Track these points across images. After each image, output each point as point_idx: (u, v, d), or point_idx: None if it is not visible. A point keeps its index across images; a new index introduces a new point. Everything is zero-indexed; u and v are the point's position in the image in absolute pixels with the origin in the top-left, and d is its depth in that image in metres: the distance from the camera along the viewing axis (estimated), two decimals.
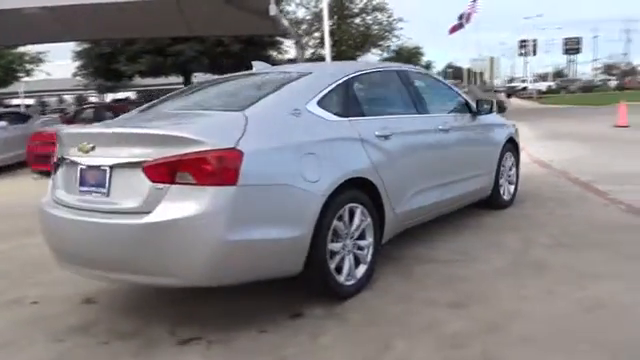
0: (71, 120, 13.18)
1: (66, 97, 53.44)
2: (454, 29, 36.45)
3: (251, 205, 2.77)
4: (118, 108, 14.05)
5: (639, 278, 3.55)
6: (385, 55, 27.12)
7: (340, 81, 3.59)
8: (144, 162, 2.73)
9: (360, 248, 3.43)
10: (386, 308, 3.22)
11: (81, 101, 42.54)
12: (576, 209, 5.49)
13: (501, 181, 5.41)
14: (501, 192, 5.43)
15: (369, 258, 3.49)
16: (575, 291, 3.33)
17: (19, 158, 11.27)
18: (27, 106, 36.07)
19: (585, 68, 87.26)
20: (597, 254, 4.00)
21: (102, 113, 12.56)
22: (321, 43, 18.91)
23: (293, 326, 3.04)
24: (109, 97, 42.53)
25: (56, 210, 3.18)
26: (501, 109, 21.29)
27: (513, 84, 60.78)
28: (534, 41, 63.96)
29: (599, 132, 13.26)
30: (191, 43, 18.79)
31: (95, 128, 3.32)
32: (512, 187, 5.71)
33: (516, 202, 5.75)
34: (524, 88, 51.81)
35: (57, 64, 29.70)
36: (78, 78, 26.26)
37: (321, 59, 19.06)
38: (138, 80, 25.18)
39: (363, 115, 3.69)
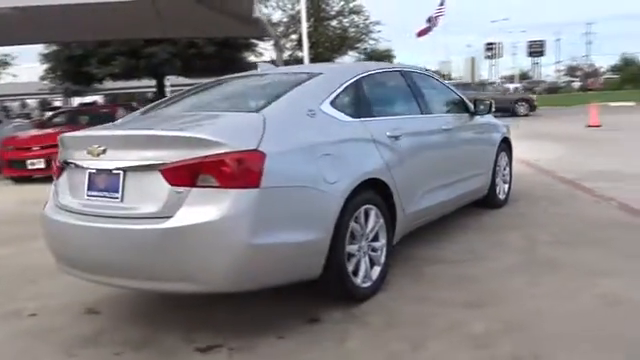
0: (44, 124, 12.78)
1: (29, 101, 51.93)
2: (422, 32, 36.87)
3: (274, 208, 2.69)
4: (93, 111, 13.67)
5: None
6: (358, 57, 27.22)
7: (351, 81, 3.54)
8: (162, 165, 2.62)
9: (374, 250, 3.38)
10: (403, 310, 3.18)
11: (45, 105, 41.39)
12: (569, 207, 5.57)
13: (497, 180, 5.45)
14: (497, 191, 5.47)
15: (383, 259, 3.45)
16: (588, 288, 3.35)
17: None
18: None
19: (548, 70, 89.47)
20: (600, 251, 4.04)
21: (77, 117, 12.22)
22: (298, 45, 18.88)
23: (313, 331, 2.97)
24: (76, 101, 41.53)
25: (60, 216, 3.04)
26: (532, 108, 21.66)
27: None
28: (499, 44, 65.23)
29: (575, 132, 13.56)
30: (164, 45, 18.48)
31: (106, 130, 3.18)
32: (506, 186, 5.76)
33: (510, 201, 5.80)
34: None
35: (24, 67, 28.83)
36: (45, 82, 25.54)
37: (298, 61, 19.01)
38: (107, 84, 24.65)
39: (373, 115, 3.65)
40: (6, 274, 4.39)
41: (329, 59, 22.19)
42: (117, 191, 2.78)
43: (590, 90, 48.30)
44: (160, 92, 22.68)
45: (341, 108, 3.35)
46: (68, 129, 10.83)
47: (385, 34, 26.43)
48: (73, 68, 19.94)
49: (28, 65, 29.64)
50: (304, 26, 13.94)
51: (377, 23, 24.08)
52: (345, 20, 23.72)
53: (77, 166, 3.01)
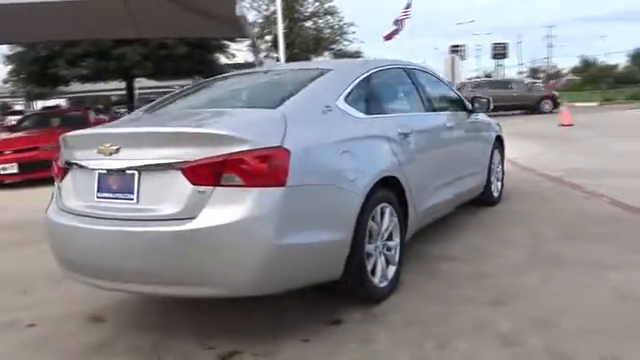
0: (14, 128, 12.31)
1: None
2: (389, 36, 37.16)
3: (299, 207, 2.60)
4: (65, 113, 13.24)
5: None
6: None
7: (361, 78, 3.48)
8: (184, 163, 2.49)
9: (389, 249, 3.32)
10: (423, 308, 3.12)
11: (5, 109, 40.00)
12: (562, 203, 5.63)
13: (492, 178, 5.46)
14: (492, 189, 5.49)
15: (397, 258, 3.39)
16: (601, 282, 3.36)
17: None
18: None
19: (511, 72, 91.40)
20: (605, 246, 4.07)
21: (49, 119, 11.82)
22: (273, 46, 18.71)
23: (336, 333, 2.88)
24: (38, 104, 40.29)
25: (66, 219, 2.88)
26: (556, 105, 21.82)
27: None
28: (464, 46, 66.39)
29: (549, 131, 13.85)
30: (135, 46, 18.03)
31: (118, 127, 3.03)
32: (499, 184, 5.79)
33: (502, 199, 5.83)
34: None
35: None
36: (7, 85, 24.65)
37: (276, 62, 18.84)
38: (73, 87, 23.95)
39: (383, 112, 3.60)
40: (5, 280, 4.17)
41: (306, 60, 22.12)
42: (132, 192, 2.64)
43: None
44: (129, 95, 22.17)
45: (354, 104, 3.28)
46: (40, 132, 10.52)
47: (359, 36, 26.57)
48: (39, 70, 19.23)
49: None
50: (280, 27, 13.81)
51: (351, 24, 24.20)
52: (320, 21, 23.71)
53: (84, 167, 2.86)
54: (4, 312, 3.58)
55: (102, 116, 12.41)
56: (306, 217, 2.65)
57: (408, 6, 34.41)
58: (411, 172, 3.53)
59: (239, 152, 2.45)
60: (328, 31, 23.86)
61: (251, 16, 22.83)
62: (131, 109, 21.26)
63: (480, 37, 68.03)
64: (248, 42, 14.08)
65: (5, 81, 23.41)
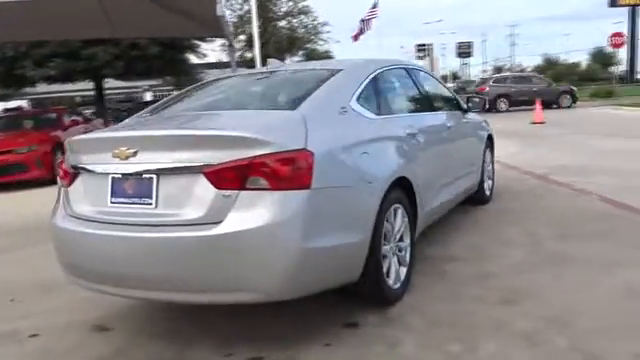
0: None
1: None
2: (357, 35, 37.39)
3: (323, 209, 2.56)
4: (38, 114, 12.81)
5: None
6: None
7: (370, 77, 3.45)
8: (206, 167, 2.42)
9: (400, 250, 3.31)
10: (439, 309, 3.12)
11: None
12: (553, 201, 5.73)
13: (484, 177, 5.52)
14: (485, 188, 5.54)
15: (408, 259, 3.39)
16: (608, 280, 3.40)
17: None
18: None
19: (476, 70, 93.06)
20: (604, 243, 4.12)
21: (21, 122, 11.43)
22: (247, 46, 18.56)
23: (357, 336, 2.85)
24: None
25: (75, 225, 2.78)
26: (574, 100, 22.27)
27: None
28: (430, 45, 67.14)
29: (522, 129, 14.10)
30: (106, 46, 17.62)
31: (134, 131, 2.92)
32: (490, 182, 5.86)
33: (493, 197, 5.89)
34: None
35: None
36: None
37: (248, 62, 18.71)
38: (36, 88, 23.26)
39: (391, 113, 3.59)
40: None
41: (281, 60, 22.05)
42: (150, 196, 2.56)
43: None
44: (99, 95, 21.68)
45: (365, 105, 3.26)
46: (13, 135, 10.15)
47: (334, 35, 26.63)
48: (5, 71, 18.60)
49: None
50: (255, 26, 13.69)
51: (325, 24, 24.22)
52: (294, 20, 23.65)
53: (96, 171, 2.75)
54: (1, 321, 3.44)
55: (76, 117, 12.06)
56: (330, 219, 2.61)
57: (375, 5, 34.70)
58: (419, 172, 3.53)
59: (264, 155, 2.39)
60: (302, 31, 23.84)
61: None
62: (101, 110, 20.83)
63: (445, 36, 68.98)
64: (222, 42, 13.95)
65: None
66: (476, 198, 5.41)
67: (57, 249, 2.96)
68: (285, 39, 22.93)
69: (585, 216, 5.02)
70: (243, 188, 2.39)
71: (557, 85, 24.77)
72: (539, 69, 64.34)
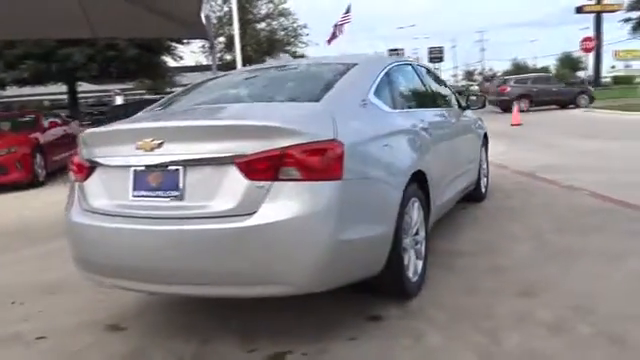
0: None
1: None
2: (330, 39, 37.57)
3: (353, 201, 2.53)
4: (14, 116, 12.46)
5: None
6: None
7: (384, 72, 3.45)
8: (238, 157, 2.37)
9: (416, 243, 3.31)
10: (458, 302, 3.12)
11: None
12: (547, 198, 5.82)
13: (480, 174, 5.57)
14: (481, 185, 5.60)
15: (423, 253, 3.39)
16: (618, 269, 3.47)
17: None
18: None
19: (446, 75, 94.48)
20: (603, 236, 4.22)
21: None
22: (226, 48, 18.45)
23: (381, 329, 2.83)
24: None
25: (93, 220, 2.69)
26: (592, 100, 22.56)
27: None
28: (402, 50, 67.86)
29: (502, 130, 14.30)
30: (81, 47, 17.27)
31: (159, 122, 2.84)
32: (485, 180, 5.92)
33: (487, 195, 5.96)
34: None
35: None
36: None
37: (227, 65, 18.58)
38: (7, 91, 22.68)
39: (404, 107, 3.59)
40: None
41: (260, 62, 21.98)
42: (176, 189, 2.49)
43: (488, 93, 51.36)
44: (72, 98, 21.23)
45: (382, 99, 3.26)
46: None
47: (313, 38, 26.71)
48: None
49: None
50: (236, 27, 13.64)
51: (304, 27, 24.26)
52: (274, 23, 23.62)
53: (115, 165, 2.67)
54: (4, 324, 3.31)
55: (54, 119, 11.77)
56: (358, 211, 2.59)
57: (348, 11, 34.91)
58: (431, 166, 3.54)
59: (298, 145, 2.36)
60: (282, 33, 23.83)
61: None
62: (75, 114, 20.39)
63: (419, 41, 69.89)
64: (201, 44, 13.85)
65: None
66: (473, 195, 5.46)
67: (72, 244, 2.86)
68: (265, 41, 22.88)
69: (579, 211, 5.11)
70: (276, 179, 2.35)
71: (579, 86, 25.59)
72: (509, 73, 65.63)
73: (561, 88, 23.51)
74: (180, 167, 2.48)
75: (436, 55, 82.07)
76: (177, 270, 2.46)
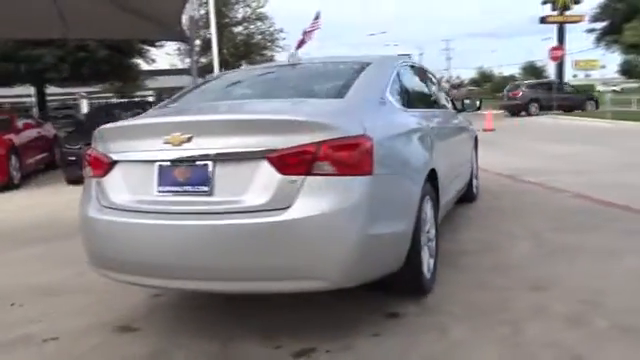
0: None
1: None
2: (299, 45, 37.65)
3: (381, 196, 2.55)
4: None
5: None
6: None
7: (396, 72, 3.49)
8: (269, 152, 2.36)
9: (429, 240, 3.35)
10: (472, 298, 3.17)
11: None
12: (535, 198, 5.98)
13: (473, 175, 5.68)
14: (473, 185, 5.71)
15: (434, 250, 3.43)
16: (618, 265, 3.59)
17: None
18: None
19: None
20: (596, 234, 4.36)
21: None
22: (202, 51, 18.28)
23: (402, 325, 2.85)
24: None
25: (114, 216, 2.64)
26: (597, 105, 23.53)
27: None
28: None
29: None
30: (51, 48, 16.81)
31: (187, 116, 2.79)
32: (475, 181, 6.02)
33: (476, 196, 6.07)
34: None
35: None
36: None
37: (203, 68, 18.39)
38: None
39: (414, 106, 3.63)
40: None
41: (237, 66, 21.83)
42: (205, 183, 2.46)
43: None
44: (41, 101, 20.64)
45: (395, 97, 3.29)
46: None
47: (290, 42, 26.72)
48: None
49: None
50: (214, 31, 13.53)
51: (281, 31, 24.30)
52: (251, 27, 23.53)
53: (138, 159, 2.63)
54: (6, 328, 3.19)
55: (28, 120, 11.44)
56: (386, 207, 2.61)
57: (317, 17, 35.07)
58: (440, 165, 3.59)
59: (331, 140, 2.36)
60: (259, 37, 23.77)
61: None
62: (44, 116, 19.83)
63: (389, 48, 70.59)
64: (177, 46, 13.69)
65: None
66: (466, 196, 5.55)
67: (89, 241, 2.80)
68: (242, 45, 22.78)
69: (568, 211, 5.27)
70: (309, 173, 2.35)
71: (586, 93, 27.11)
72: (475, 82, 66.99)
73: (571, 95, 24.69)
74: (210, 162, 2.46)
75: None
76: (206, 266, 2.43)
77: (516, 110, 24.01)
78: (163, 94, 29.68)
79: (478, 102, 5.25)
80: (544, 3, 28.81)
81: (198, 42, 20.61)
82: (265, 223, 2.32)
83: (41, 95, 20.36)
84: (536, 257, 3.87)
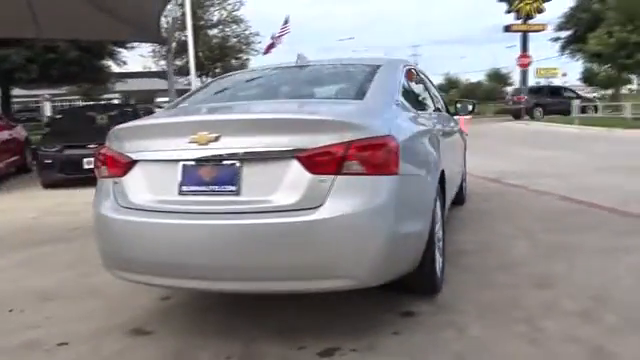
0: None
1: None
2: (267, 49, 37.73)
3: (405, 196, 2.59)
4: None
5: None
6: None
7: (404, 74, 3.54)
8: (299, 151, 2.37)
9: (439, 240, 3.40)
10: (482, 296, 3.22)
11: None
12: (520, 200, 6.15)
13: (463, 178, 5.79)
14: (464, 188, 5.81)
15: (442, 249, 3.48)
16: (618, 263, 3.72)
17: None
18: None
19: None
20: (589, 234, 4.49)
21: None
22: (177, 53, 18.00)
23: (419, 324, 2.88)
24: None
25: (134, 217, 2.59)
26: (596, 110, 23.95)
27: None
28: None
29: None
30: (19, 48, 16.34)
31: (214, 115, 2.76)
32: (464, 184, 6.14)
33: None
34: None
35: None
36: None
37: (178, 71, 18.19)
38: None
39: (418, 109, 3.67)
40: None
41: (212, 69, 21.67)
42: (232, 183, 2.44)
43: None
44: (6, 103, 20.02)
45: (406, 100, 3.34)
46: None
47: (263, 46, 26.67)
48: None
49: None
50: (190, 33, 13.39)
51: (256, 34, 24.28)
52: (227, 29, 23.41)
53: (161, 159, 2.59)
54: (8, 334, 3.09)
55: None
56: (409, 206, 2.65)
57: (286, 22, 35.17)
58: (446, 167, 3.65)
59: (361, 139, 2.38)
60: (234, 40, 23.67)
61: None
62: (10, 118, 19.24)
63: (358, 54, 71.08)
64: (151, 48, 13.52)
65: None
66: (457, 198, 5.63)
67: (105, 242, 2.75)
68: (217, 47, 22.63)
69: (557, 212, 5.42)
70: (339, 172, 2.36)
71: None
72: (443, 88, 68.11)
73: (573, 99, 25.08)
74: (238, 161, 2.44)
75: None
76: (233, 265, 2.41)
77: (520, 114, 25.00)
78: (131, 97, 29.23)
79: (471, 106, 5.34)
80: (508, 12, 29.58)
81: (173, 44, 20.43)
82: (296, 222, 2.32)
83: (5, 97, 19.73)
84: (535, 256, 3.97)
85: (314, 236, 2.32)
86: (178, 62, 19.02)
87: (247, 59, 24.49)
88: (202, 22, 22.47)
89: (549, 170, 8.49)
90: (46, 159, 9.04)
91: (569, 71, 52.71)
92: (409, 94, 3.53)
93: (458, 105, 5.40)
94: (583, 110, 24.28)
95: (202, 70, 19.50)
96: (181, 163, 2.53)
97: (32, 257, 4.69)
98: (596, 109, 25.16)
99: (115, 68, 21.32)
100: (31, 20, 11.67)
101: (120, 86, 26.44)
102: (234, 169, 2.45)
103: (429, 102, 4.27)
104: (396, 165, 2.49)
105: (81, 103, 28.52)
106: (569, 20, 31.06)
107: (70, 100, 35.11)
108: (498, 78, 55.05)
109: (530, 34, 28.82)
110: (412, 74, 3.97)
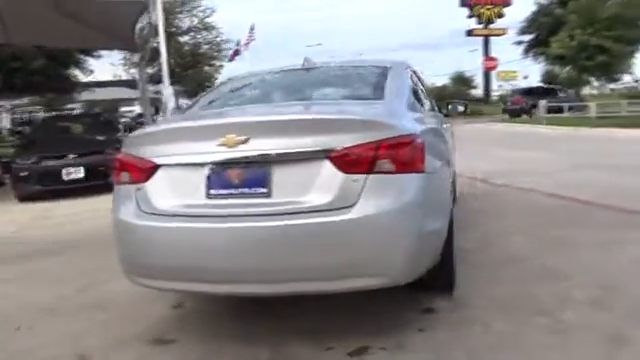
0: None
1: None
2: (232, 56, 37.74)
3: (430, 194, 2.63)
4: None
5: None
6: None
7: (409, 75, 3.59)
8: (330, 151, 2.38)
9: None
10: (496, 292, 3.27)
11: None
12: (509, 198, 6.29)
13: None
14: (455, 187, 5.90)
15: (453, 246, 3.53)
16: (621, 254, 3.83)
17: None
18: None
19: None
20: (584, 229, 4.60)
21: None
22: (149, 60, 17.72)
23: (441, 320, 2.92)
24: None
25: (159, 222, 2.56)
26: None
27: None
28: None
29: None
30: None
31: (242, 117, 2.73)
32: (455, 183, 6.23)
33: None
34: None
35: None
36: None
37: (152, 78, 17.86)
38: None
39: (422, 109, 3.73)
40: None
41: (184, 76, 21.42)
42: (263, 185, 2.43)
43: None
44: None
45: (415, 99, 3.39)
46: None
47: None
48: None
49: None
50: (162, 40, 13.23)
51: (227, 41, 24.17)
52: (198, 36, 23.20)
53: (185, 163, 2.56)
54: (28, 352, 2.95)
55: None
56: (434, 203, 2.69)
57: (252, 29, 35.22)
58: (452, 165, 3.72)
59: (389, 138, 2.41)
60: (206, 47, 23.49)
61: None
62: None
63: (325, 59, 71.38)
64: (122, 56, 13.29)
65: None
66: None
67: (126, 249, 2.69)
68: (188, 54, 22.42)
69: (547, 208, 5.57)
70: (371, 171, 2.38)
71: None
72: None
73: (573, 100, 26.28)
74: (268, 163, 2.44)
75: None
76: (266, 268, 2.40)
77: (518, 114, 26.26)
78: (95, 106, 28.60)
79: (463, 107, 5.43)
80: (470, 17, 30.34)
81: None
82: (330, 222, 2.33)
83: None
84: (537, 251, 4.05)
85: (348, 235, 2.33)
86: (149, 70, 18.71)
87: (221, 65, 24.47)
88: (173, 29, 22.26)
89: (531, 169, 8.68)
90: (21, 171, 8.79)
91: (531, 73, 54.26)
92: (417, 95, 3.59)
93: (449, 106, 5.48)
94: (549, 110, 25.07)
95: (173, 77, 19.24)
96: (208, 166, 2.51)
97: (25, 272, 4.54)
98: (561, 109, 25.89)
99: (82, 77, 20.89)
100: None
101: (86, 95, 25.86)
102: (264, 171, 2.44)
103: (428, 102, 4.33)
104: (422, 163, 2.53)
105: (42, 114, 27.71)
106: (531, 24, 31.98)
107: (31, 111, 34.10)
108: (462, 81, 56.14)
109: (492, 38, 29.64)
110: (414, 75, 4.03)
